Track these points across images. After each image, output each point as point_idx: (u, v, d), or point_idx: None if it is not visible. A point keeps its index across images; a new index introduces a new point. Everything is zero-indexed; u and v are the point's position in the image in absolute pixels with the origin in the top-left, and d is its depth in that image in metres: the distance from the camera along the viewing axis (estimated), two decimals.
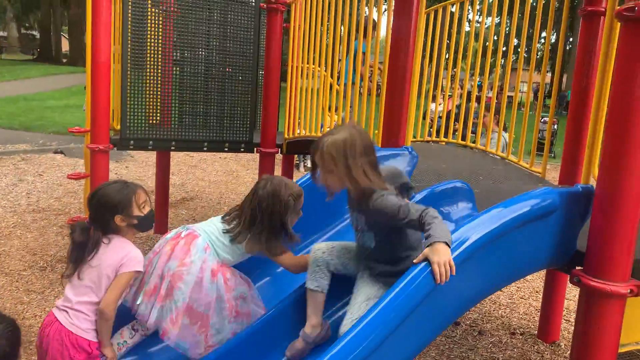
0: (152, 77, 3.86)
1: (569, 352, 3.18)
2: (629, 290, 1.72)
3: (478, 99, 5.09)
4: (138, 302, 2.01)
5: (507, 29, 3.20)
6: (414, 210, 1.63)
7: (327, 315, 2.02)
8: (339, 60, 3.61)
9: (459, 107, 3.65)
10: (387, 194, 1.68)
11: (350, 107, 3.41)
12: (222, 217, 2.14)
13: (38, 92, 17.66)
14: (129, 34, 3.68)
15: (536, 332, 3.40)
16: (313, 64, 3.78)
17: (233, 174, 8.00)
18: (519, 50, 3.50)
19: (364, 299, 1.79)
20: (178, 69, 4.08)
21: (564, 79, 24.34)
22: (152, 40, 3.81)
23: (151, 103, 3.89)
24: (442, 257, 1.51)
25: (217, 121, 4.11)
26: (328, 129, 3.66)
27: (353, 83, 3.32)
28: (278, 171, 5.42)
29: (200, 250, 2.01)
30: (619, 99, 1.68)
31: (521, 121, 3.11)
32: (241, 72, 4.15)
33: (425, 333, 1.68)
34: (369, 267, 1.87)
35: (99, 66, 3.42)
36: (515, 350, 3.18)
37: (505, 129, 4.44)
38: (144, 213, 2.02)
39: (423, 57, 3.21)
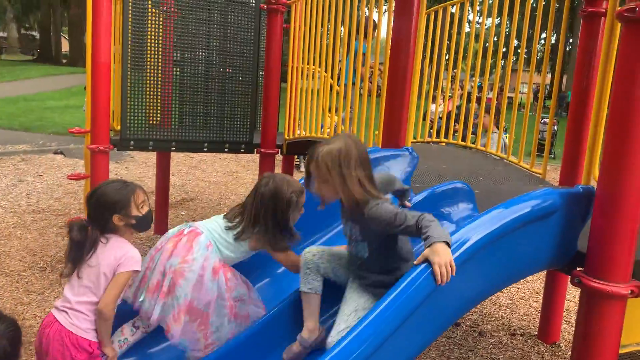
0: (152, 78, 3.86)
1: (569, 353, 3.18)
2: (629, 291, 1.71)
3: (478, 100, 5.09)
4: (141, 299, 2.01)
5: (507, 29, 3.20)
6: (410, 217, 1.62)
7: (323, 319, 2.01)
8: (339, 61, 3.61)
9: (459, 108, 3.65)
10: (382, 202, 1.68)
11: (351, 107, 3.41)
12: (225, 215, 2.14)
13: (38, 92, 17.67)
14: (129, 35, 3.68)
15: (536, 333, 3.40)
16: (313, 65, 3.78)
17: (233, 175, 8.00)
18: (519, 51, 3.51)
19: (353, 309, 1.79)
20: (178, 69, 4.08)
21: (564, 80, 24.38)
22: (153, 40, 3.81)
23: (151, 103, 3.89)
24: (443, 257, 1.50)
25: (218, 122, 4.12)
26: (328, 130, 3.68)
27: (353, 84, 3.32)
28: (278, 172, 5.41)
29: (203, 248, 2.01)
30: (619, 99, 1.68)
31: (521, 122, 3.11)
32: (241, 72, 4.15)
33: (426, 334, 1.67)
34: (360, 276, 1.85)
35: (99, 66, 3.42)
36: (515, 351, 3.18)
37: (505, 131, 4.44)
38: (142, 213, 2.02)
39: (423, 57, 3.21)
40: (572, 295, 3.93)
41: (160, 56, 3.87)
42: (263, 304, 2.13)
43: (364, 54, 3.34)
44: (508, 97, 3.75)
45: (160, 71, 3.88)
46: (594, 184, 1.92)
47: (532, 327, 3.49)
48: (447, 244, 1.54)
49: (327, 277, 1.97)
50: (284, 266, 2.15)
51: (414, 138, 3.82)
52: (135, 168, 7.92)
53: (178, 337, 1.95)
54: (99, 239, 1.96)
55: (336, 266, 1.96)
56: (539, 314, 3.47)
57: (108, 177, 3.56)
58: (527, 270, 2.02)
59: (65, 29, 39.32)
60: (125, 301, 2.20)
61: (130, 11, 3.65)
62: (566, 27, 2.79)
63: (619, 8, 1.71)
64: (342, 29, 3.41)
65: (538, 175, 2.93)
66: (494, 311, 3.72)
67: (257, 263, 2.35)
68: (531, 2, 2.98)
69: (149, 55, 3.82)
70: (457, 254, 1.59)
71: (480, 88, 9.95)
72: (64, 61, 33.39)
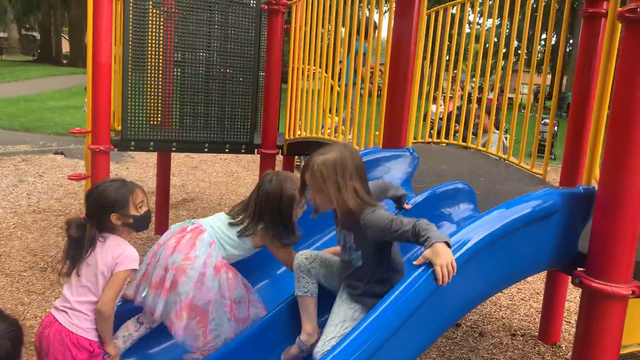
0: (153, 78, 3.86)
1: (569, 353, 3.18)
2: (630, 292, 1.71)
3: (479, 101, 5.10)
4: (144, 295, 2.02)
5: (508, 30, 3.20)
6: (406, 222, 1.62)
7: (322, 321, 2.01)
8: (340, 61, 3.62)
9: (459, 108, 3.65)
10: (378, 209, 1.68)
11: (352, 108, 3.41)
12: (228, 212, 2.15)
13: (38, 93, 17.68)
14: (130, 35, 3.68)
15: (537, 333, 3.40)
16: (313, 66, 3.78)
17: (233, 175, 8.00)
18: (520, 52, 3.50)
19: (341, 320, 1.78)
20: (179, 70, 4.08)
21: (564, 81, 24.39)
22: (153, 41, 3.81)
23: (152, 104, 3.89)
24: (444, 258, 1.50)
25: (218, 122, 4.12)
26: (329, 130, 3.68)
27: (354, 84, 3.32)
28: None
29: (205, 245, 2.02)
30: (620, 99, 1.68)
31: (522, 123, 3.11)
32: (242, 73, 4.15)
33: (427, 334, 1.67)
34: (350, 285, 1.84)
35: (99, 67, 3.42)
36: (516, 351, 3.18)
37: (505, 131, 4.44)
38: (140, 213, 2.01)
39: (424, 58, 3.21)
40: (572, 296, 3.93)
41: (161, 57, 3.87)
42: (263, 305, 2.14)
43: (364, 54, 3.34)
44: (508, 98, 3.74)
45: (161, 71, 3.89)
46: (594, 184, 1.92)
47: (533, 328, 3.49)
48: (448, 244, 1.54)
49: (319, 282, 1.97)
50: (285, 264, 2.15)
51: (415, 139, 3.82)
52: (136, 168, 7.92)
53: (181, 334, 1.95)
54: (97, 237, 1.96)
55: (327, 273, 1.95)
56: (540, 315, 3.47)
57: (108, 177, 3.56)
58: (528, 270, 2.02)
59: (65, 29, 39.36)
60: (125, 300, 2.21)
61: (131, 11, 3.65)
62: (567, 28, 2.79)
63: (620, 9, 1.71)
64: (343, 29, 3.41)
65: (539, 175, 2.93)
66: (494, 312, 3.72)
67: (257, 264, 2.35)
68: (531, 3, 2.98)
69: (149, 56, 3.82)
70: (458, 254, 1.58)
71: (480, 89, 9.95)
72: (65, 62, 33.42)
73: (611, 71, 1.92)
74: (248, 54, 4.11)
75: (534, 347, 3.25)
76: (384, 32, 3.05)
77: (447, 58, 3.76)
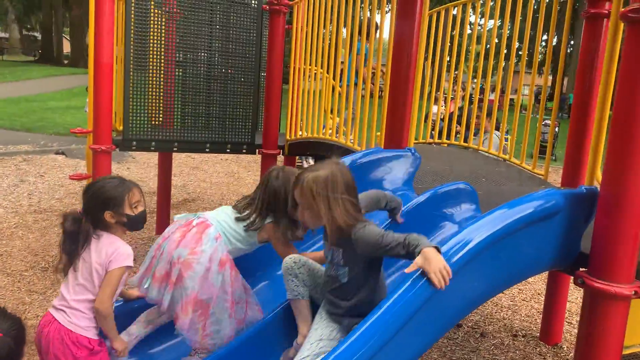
0: (154, 78, 3.86)
1: (571, 354, 3.18)
2: (633, 292, 1.71)
3: (480, 102, 5.10)
4: (146, 286, 2.02)
5: (509, 31, 3.20)
6: (397, 237, 1.60)
7: None
8: (342, 62, 3.62)
9: (460, 109, 3.65)
10: (368, 225, 1.66)
11: (353, 108, 3.42)
12: (234, 206, 2.15)
13: (39, 93, 17.71)
14: (132, 35, 3.69)
15: (538, 334, 3.40)
16: (315, 66, 3.79)
17: (234, 176, 8.00)
18: (520, 53, 3.51)
19: (317, 338, 1.77)
20: (180, 70, 4.08)
21: (565, 82, 24.38)
22: (155, 41, 3.81)
23: (153, 104, 3.89)
24: (436, 263, 1.47)
25: (219, 122, 4.12)
26: (330, 130, 3.68)
27: (355, 84, 3.33)
28: None
29: (212, 240, 2.02)
30: (623, 100, 1.68)
31: (523, 124, 3.11)
32: (243, 73, 4.16)
33: (428, 335, 1.67)
34: (331, 302, 1.82)
35: (101, 67, 3.43)
36: (517, 352, 3.18)
37: (506, 132, 4.43)
38: (135, 213, 1.99)
39: (425, 59, 3.22)
40: (573, 297, 3.93)
41: (162, 57, 3.87)
42: (260, 308, 2.14)
43: (365, 54, 3.35)
44: (510, 99, 3.74)
45: (162, 72, 3.89)
46: (596, 185, 1.92)
47: (534, 329, 3.49)
48: (438, 249, 1.51)
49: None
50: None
51: (415, 139, 3.82)
52: (137, 169, 7.93)
53: (187, 328, 1.95)
54: (92, 233, 1.95)
55: (312, 283, 1.95)
56: (541, 315, 3.46)
57: None
58: (530, 270, 2.01)
59: (66, 29, 39.40)
60: (127, 300, 2.21)
61: (132, 12, 3.66)
62: (568, 29, 2.79)
63: (623, 9, 1.71)
64: (344, 30, 3.41)
65: (540, 176, 2.93)
66: (495, 312, 3.71)
67: (257, 265, 2.35)
68: (532, 4, 2.98)
69: (151, 56, 3.82)
70: (459, 254, 1.58)
71: (481, 90, 9.92)
72: (66, 62, 33.44)
73: (613, 71, 1.92)
74: (249, 54, 4.11)
75: (535, 348, 3.25)
76: (386, 33, 3.05)
77: (449, 59, 3.76)
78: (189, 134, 4.03)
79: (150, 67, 3.84)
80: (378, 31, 3.06)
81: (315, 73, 3.80)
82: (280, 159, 5.15)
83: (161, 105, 3.95)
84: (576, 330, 2.97)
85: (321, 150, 3.79)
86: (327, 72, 3.59)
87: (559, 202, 1.82)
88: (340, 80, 3.59)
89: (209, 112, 4.12)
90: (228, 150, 4.21)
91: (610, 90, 1.91)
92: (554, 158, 10.26)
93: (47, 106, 14.66)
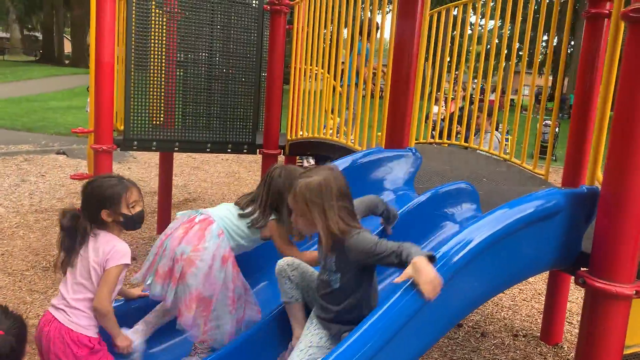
0: (155, 78, 3.87)
1: (571, 354, 3.18)
2: (634, 292, 1.71)
3: (480, 102, 5.10)
4: (149, 283, 2.02)
5: (510, 31, 3.20)
6: (391, 245, 1.58)
7: None
8: (342, 62, 3.62)
9: (461, 109, 3.66)
10: (362, 232, 1.65)
11: (353, 108, 3.42)
12: (236, 203, 2.16)
13: (40, 93, 17.73)
14: (133, 35, 3.69)
15: (539, 334, 3.40)
16: (316, 66, 3.79)
17: (235, 176, 8.01)
18: (521, 53, 3.51)
19: (307, 345, 1.77)
20: (181, 70, 4.09)
21: (565, 82, 24.36)
22: (156, 41, 3.82)
23: (154, 104, 3.90)
24: (426, 275, 1.44)
25: (220, 122, 4.13)
26: (331, 130, 3.69)
27: (356, 85, 3.33)
28: None
29: (214, 237, 2.02)
30: (624, 99, 1.68)
31: (524, 124, 3.11)
32: (244, 73, 4.16)
33: (429, 335, 1.67)
34: (323, 307, 1.81)
35: (102, 66, 3.43)
36: (518, 352, 3.18)
37: (507, 132, 4.43)
38: (132, 213, 1.99)
39: (426, 59, 3.22)
40: (574, 297, 3.93)
41: (163, 57, 3.88)
42: (259, 309, 2.14)
43: (366, 55, 3.35)
44: (510, 100, 3.74)
45: (163, 71, 3.89)
46: (597, 185, 1.92)
47: (535, 329, 3.49)
48: (431, 259, 1.48)
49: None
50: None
51: (416, 139, 3.83)
52: (138, 168, 7.93)
53: (191, 324, 1.96)
54: (89, 231, 1.95)
55: (306, 286, 1.95)
56: (542, 315, 3.46)
57: None
58: (531, 270, 2.01)
59: (67, 29, 39.42)
60: (128, 299, 2.21)
61: (133, 12, 3.66)
62: (569, 29, 2.79)
63: (624, 9, 1.71)
64: (345, 30, 3.41)
65: (541, 176, 2.93)
66: (496, 312, 3.71)
67: (257, 265, 2.35)
68: (533, 5, 2.98)
69: (152, 56, 3.83)
70: (460, 254, 1.58)
71: (482, 90, 9.91)
72: (67, 62, 33.48)
73: (614, 71, 1.92)
74: (250, 54, 4.11)
75: (536, 348, 3.25)
76: (387, 33, 3.06)
77: (449, 59, 3.76)
78: (190, 134, 4.04)
79: (151, 67, 3.84)
80: (379, 31, 3.06)
81: (316, 73, 3.81)
82: (281, 158, 5.16)
83: (162, 105, 3.95)
84: (577, 330, 2.98)
85: (322, 150, 3.80)
86: (328, 72, 3.59)
87: (559, 201, 1.82)
88: (341, 81, 3.59)
89: (210, 112, 4.12)
90: (229, 150, 4.22)
91: (611, 90, 1.91)
92: (554, 158, 10.26)
93: (48, 106, 14.67)
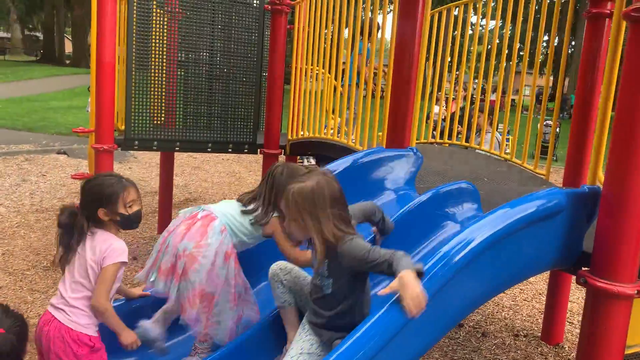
0: (156, 78, 3.87)
1: (572, 354, 3.18)
2: (635, 291, 1.71)
3: (481, 102, 5.10)
4: (152, 279, 2.03)
5: (511, 31, 3.20)
6: (384, 253, 1.56)
7: None
8: (343, 62, 3.62)
9: (462, 109, 3.66)
10: (355, 238, 1.63)
11: (354, 108, 3.42)
12: (238, 199, 2.16)
13: (41, 93, 17.75)
14: (134, 35, 3.69)
15: (540, 334, 3.40)
16: (317, 66, 3.79)
17: (236, 176, 8.01)
18: (522, 53, 3.51)
19: (298, 351, 1.76)
20: (182, 70, 4.09)
21: (566, 82, 24.36)
22: (157, 41, 3.82)
23: (155, 104, 3.90)
24: (412, 290, 1.41)
25: (221, 122, 4.13)
26: (332, 130, 3.69)
27: (357, 84, 3.33)
28: None
29: (217, 233, 2.02)
30: (626, 99, 1.68)
31: (524, 124, 3.12)
32: (245, 73, 4.16)
33: (429, 335, 1.67)
34: (315, 312, 1.80)
35: (103, 66, 3.43)
36: (518, 352, 3.17)
37: (507, 132, 4.43)
38: (129, 212, 1.98)
39: (427, 59, 3.22)
40: (575, 297, 3.92)
41: (164, 56, 3.88)
42: (258, 309, 2.14)
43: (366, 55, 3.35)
44: (511, 100, 3.74)
45: (164, 71, 3.90)
46: (598, 185, 1.92)
47: (536, 329, 3.49)
48: (419, 273, 1.46)
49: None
50: (288, 258, 2.15)
51: (417, 139, 3.83)
52: (139, 168, 7.94)
53: (194, 319, 1.97)
54: (86, 228, 1.95)
55: (299, 290, 1.94)
56: (542, 315, 3.46)
57: None
58: (532, 270, 2.01)
59: (68, 29, 39.47)
60: (129, 299, 2.21)
61: (135, 11, 3.66)
62: (570, 29, 2.79)
63: (626, 8, 1.71)
64: (346, 30, 3.41)
65: (542, 176, 2.93)
66: (497, 312, 3.71)
67: (256, 265, 2.35)
68: (534, 5, 2.98)
69: (153, 56, 3.83)
70: (462, 254, 1.58)
71: (482, 90, 9.91)
72: (67, 62, 33.51)
73: (616, 71, 1.92)
74: (251, 54, 4.11)
75: (537, 348, 3.25)
76: (387, 33, 3.06)
77: (450, 59, 3.76)
78: (190, 134, 4.04)
79: (152, 66, 3.84)
80: (380, 31, 3.06)
81: (316, 73, 3.81)
82: (282, 158, 5.16)
83: (163, 104, 3.96)
84: (578, 330, 2.97)
85: (323, 150, 3.80)
86: (329, 72, 3.59)
87: (561, 201, 1.82)
88: (342, 80, 3.59)
89: (211, 112, 4.12)
90: (230, 150, 4.22)
91: (612, 90, 1.91)
92: (555, 158, 10.26)
93: (49, 106, 14.69)
